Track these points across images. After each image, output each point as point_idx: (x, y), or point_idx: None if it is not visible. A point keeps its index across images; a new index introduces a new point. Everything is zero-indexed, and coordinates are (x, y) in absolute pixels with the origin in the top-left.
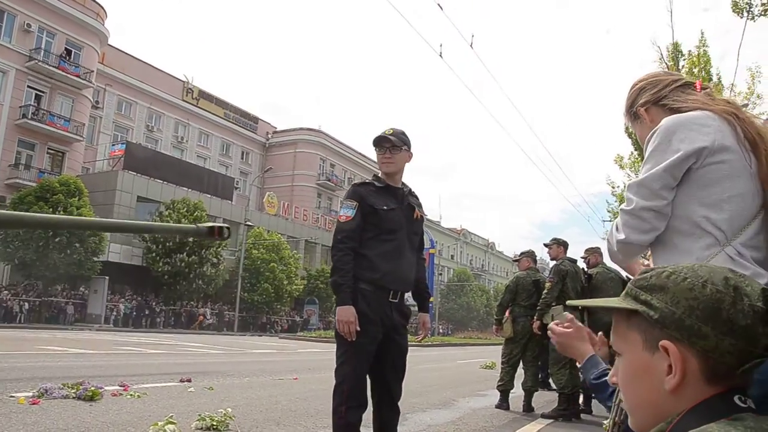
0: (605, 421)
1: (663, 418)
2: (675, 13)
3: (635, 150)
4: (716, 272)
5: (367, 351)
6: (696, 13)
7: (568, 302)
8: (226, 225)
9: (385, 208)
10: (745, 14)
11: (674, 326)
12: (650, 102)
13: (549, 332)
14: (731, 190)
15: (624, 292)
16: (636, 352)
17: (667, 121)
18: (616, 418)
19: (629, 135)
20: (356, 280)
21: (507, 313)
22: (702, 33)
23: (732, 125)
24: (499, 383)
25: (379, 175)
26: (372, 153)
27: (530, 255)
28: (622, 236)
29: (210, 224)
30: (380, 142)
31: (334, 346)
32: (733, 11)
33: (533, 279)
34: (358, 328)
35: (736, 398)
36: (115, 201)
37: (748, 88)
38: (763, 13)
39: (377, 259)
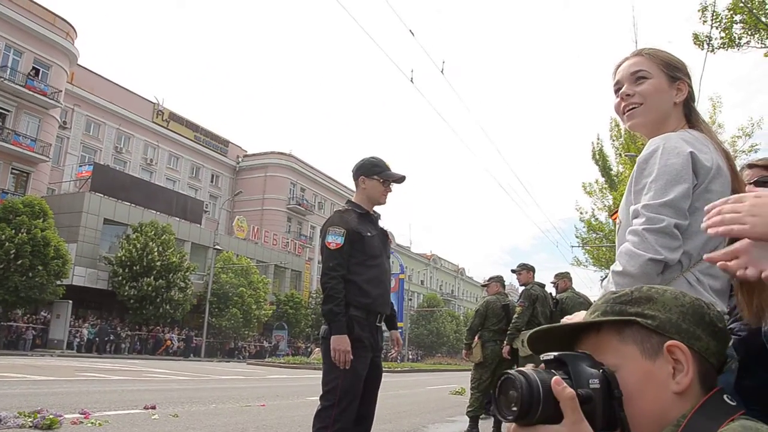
0: None
1: (667, 423)
2: (640, 44)
3: (602, 176)
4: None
5: (361, 376)
6: (660, 45)
7: (545, 326)
8: None
9: (369, 234)
10: (706, 46)
11: (674, 330)
12: (686, 92)
13: None
14: None
15: (601, 311)
16: (635, 363)
17: (677, 140)
18: None
19: (596, 162)
20: (347, 306)
21: (476, 338)
22: None
23: (720, 150)
24: (469, 409)
25: (353, 200)
26: (343, 178)
27: (499, 280)
28: (659, 255)
29: None
30: (401, 181)
31: (303, 372)
32: (694, 43)
33: (503, 303)
34: (352, 357)
35: (725, 397)
36: (81, 223)
37: (710, 117)
38: (721, 45)
39: (367, 285)
